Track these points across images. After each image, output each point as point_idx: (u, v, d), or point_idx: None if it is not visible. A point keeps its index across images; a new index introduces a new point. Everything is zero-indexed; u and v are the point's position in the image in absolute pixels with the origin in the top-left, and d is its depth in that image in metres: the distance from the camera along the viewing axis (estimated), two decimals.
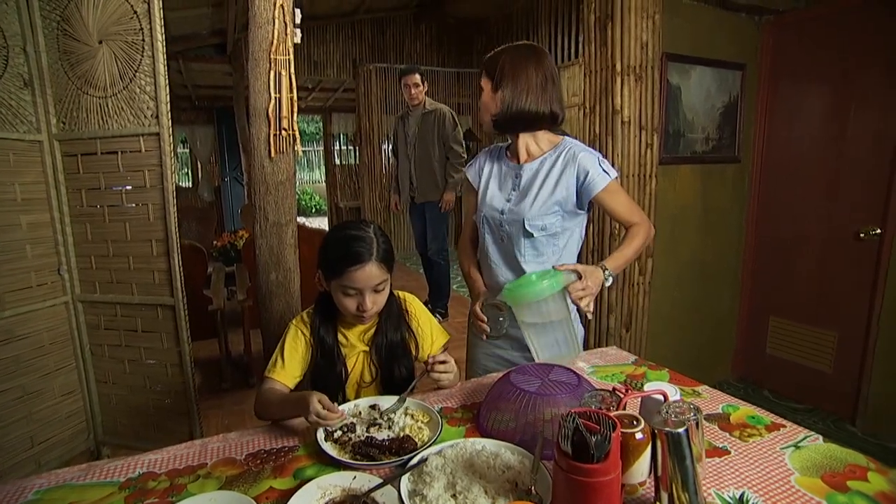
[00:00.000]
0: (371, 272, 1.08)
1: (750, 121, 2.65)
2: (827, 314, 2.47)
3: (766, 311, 2.75)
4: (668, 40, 2.21)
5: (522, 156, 1.30)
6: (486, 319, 1.23)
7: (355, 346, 1.20)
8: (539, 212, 1.25)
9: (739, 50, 2.54)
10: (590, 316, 1.15)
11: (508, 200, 1.30)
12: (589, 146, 1.32)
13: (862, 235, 2.28)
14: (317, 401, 0.93)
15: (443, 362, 1.09)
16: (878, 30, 2.20)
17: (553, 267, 1.12)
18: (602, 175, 1.23)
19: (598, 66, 2.18)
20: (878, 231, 2.23)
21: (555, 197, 1.24)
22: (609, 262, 1.20)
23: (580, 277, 1.10)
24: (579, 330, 1.46)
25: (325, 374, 1.16)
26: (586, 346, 2.43)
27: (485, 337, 1.27)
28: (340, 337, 1.20)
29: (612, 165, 1.33)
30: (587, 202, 1.26)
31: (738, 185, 2.69)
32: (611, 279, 1.17)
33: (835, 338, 2.45)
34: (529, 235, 1.26)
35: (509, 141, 1.37)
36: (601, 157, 1.26)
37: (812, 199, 2.49)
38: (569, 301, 1.11)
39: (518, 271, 1.29)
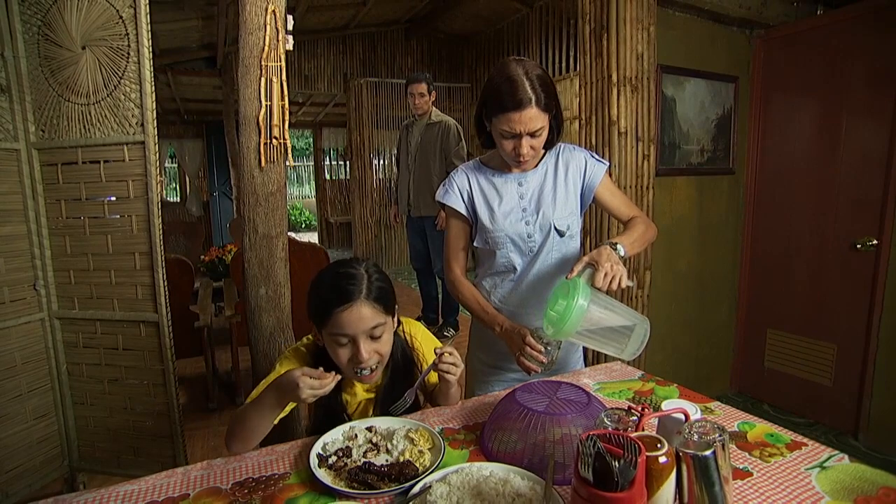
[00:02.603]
0: (361, 313, 0.95)
1: (744, 132, 2.66)
2: (825, 326, 2.45)
3: (762, 324, 2.72)
4: (662, 52, 2.21)
5: (529, 165, 1.26)
6: (543, 351, 1.10)
7: (357, 394, 1.09)
8: (564, 212, 1.24)
9: (732, 62, 2.55)
10: (632, 284, 1.08)
11: (525, 210, 1.25)
12: None
13: (859, 246, 2.27)
14: (301, 374, 0.86)
15: (450, 353, 1.00)
16: (867, 42, 2.22)
17: (566, 277, 1.06)
18: (598, 164, 1.27)
19: (593, 77, 2.17)
20: (875, 242, 2.23)
21: (570, 196, 1.25)
22: (614, 238, 1.14)
23: (594, 268, 1.03)
24: (578, 353, 1.41)
25: (326, 424, 1.00)
26: (587, 362, 2.38)
27: (538, 371, 1.13)
28: (344, 383, 1.07)
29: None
30: (590, 198, 1.27)
31: (733, 196, 2.69)
32: (621, 249, 1.10)
33: (834, 350, 2.42)
34: (562, 234, 1.23)
35: (477, 157, 1.34)
36: (589, 151, 1.30)
37: (807, 210, 2.49)
38: (600, 292, 1.03)
39: (547, 281, 1.25)
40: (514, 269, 1.27)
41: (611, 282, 1.01)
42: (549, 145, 1.22)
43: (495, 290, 1.30)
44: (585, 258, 1.06)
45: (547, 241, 1.24)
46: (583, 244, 1.36)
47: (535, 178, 1.26)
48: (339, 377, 0.89)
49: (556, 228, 1.23)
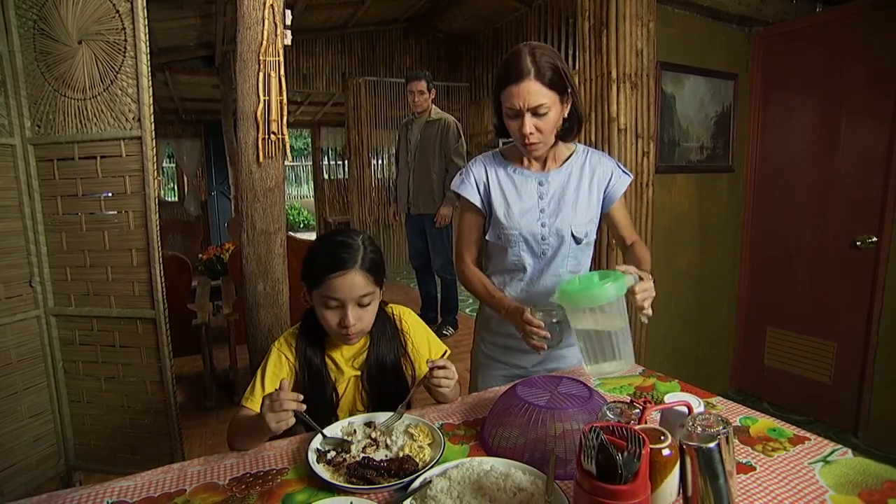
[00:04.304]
0: (354, 281, 0.99)
1: (743, 130, 2.65)
2: (825, 324, 2.45)
3: (762, 322, 2.71)
4: (661, 49, 2.21)
5: (549, 163, 1.23)
6: (543, 326, 1.06)
7: (344, 370, 1.10)
8: (584, 219, 1.21)
9: (731, 60, 2.55)
10: (650, 315, 1.04)
11: (542, 211, 1.21)
12: None
13: (858, 244, 2.26)
14: (266, 405, 0.86)
15: (443, 367, 1.01)
16: (866, 40, 2.22)
17: (615, 268, 1.03)
18: (624, 176, 1.24)
19: (593, 74, 2.16)
20: (875, 239, 2.22)
21: (591, 202, 1.22)
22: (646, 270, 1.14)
23: (638, 280, 1.01)
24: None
25: (315, 399, 1.03)
26: None
27: (545, 348, 1.10)
28: (328, 361, 1.10)
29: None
30: (606, 209, 1.24)
31: (732, 194, 2.68)
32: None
33: (834, 348, 2.42)
34: (578, 242, 1.21)
35: (497, 148, 1.30)
36: (616, 161, 1.26)
37: (807, 208, 2.48)
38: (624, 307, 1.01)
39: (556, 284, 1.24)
40: (525, 268, 1.24)
41: (645, 298, 1.01)
42: (566, 134, 1.18)
43: (504, 287, 1.28)
44: (633, 268, 1.04)
45: (562, 246, 1.21)
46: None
47: (557, 178, 1.22)
48: (302, 406, 0.87)
49: (573, 235, 1.20)
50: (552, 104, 1.09)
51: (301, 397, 0.87)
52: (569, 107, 1.15)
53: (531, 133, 1.11)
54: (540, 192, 1.22)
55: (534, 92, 1.07)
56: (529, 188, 1.22)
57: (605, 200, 1.24)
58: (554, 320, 1.05)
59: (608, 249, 2.18)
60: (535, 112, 1.09)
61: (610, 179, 1.23)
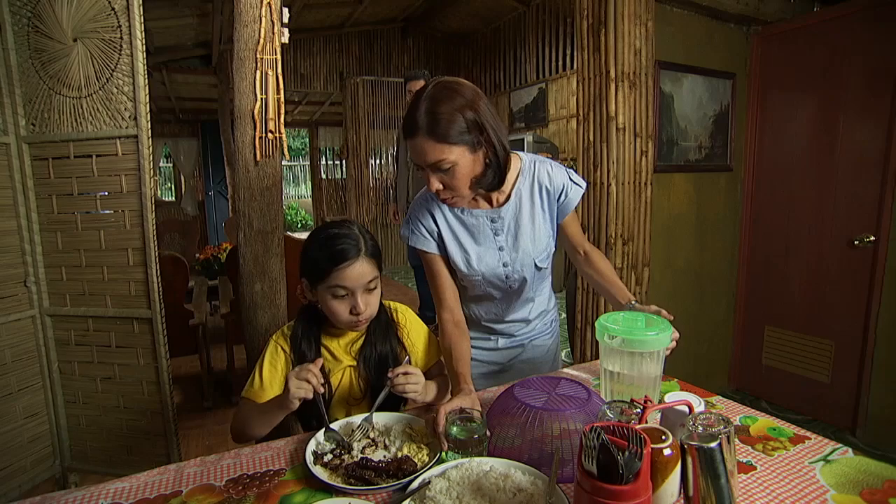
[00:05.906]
0: (362, 269, 1.01)
1: (741, 129, 2.66)
2: (823, 323, 2.45)
3: (761, 321, 2.72)
4: (660, 48, 2.20)
5: (496, 195, 1.13)
6: (444, 433, 0.86)
7: (341, 359, 1.11)
8: (543, 244, 1.17)
9: (730, 59, 2.55)
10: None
11: (501, 249, 1.15)
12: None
13: (856, 243, 2.27)
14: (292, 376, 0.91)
15: (405, 374, 0.97)
16: (864, 39, 2.22)
17: (662, 314, 1.00)
18: (576, 188, 1.16)
19: (591, 73, 2.15)
20: (873, 238, 2.23)
21: (546, 223, 1.17)
22: (630, 296, 1.13)
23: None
24: (551, 355, 1.37)
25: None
26: (583, 358, 2.37)
27: (444, 448, 0.87)
28: (324, 350, 1.10)
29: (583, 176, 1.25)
30: (560, 221, 1.20)
31: (731, 193, 2.68)
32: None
33: (832, 347, 2.42)
34: (539, 269, 1.19)
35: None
36: (567, 168, 1.19)
37: (805, 207, 2.48)
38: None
39: (530, 302, 1.23)
40: (494, 297, 1.22)
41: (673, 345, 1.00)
42: (486, 184, 1.05)
43: (477, 307, 1.26)
44: (663, 311, 1.02)
45: (528, 276, 1.18)
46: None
47: (508, 211, 1.14)
48: (321, 388, 0.93)
49: (536, 266, 1.17)
50: (458, 158, 0.96)
51: (323, 380, 0.92)
52: (488, 152, 1.00)
53: (439, 189, 1.01)
54: (494, 230, 1.14)
55: (427, 150, 0.95)
56: (483, 228, 1.14)
57: (559, 214, 1.18)
58: (475, 436, 0.85)
59: (607, 249, 2.17)
60: (437, 168, 0.97)
61: (562, 193, 1.15)
